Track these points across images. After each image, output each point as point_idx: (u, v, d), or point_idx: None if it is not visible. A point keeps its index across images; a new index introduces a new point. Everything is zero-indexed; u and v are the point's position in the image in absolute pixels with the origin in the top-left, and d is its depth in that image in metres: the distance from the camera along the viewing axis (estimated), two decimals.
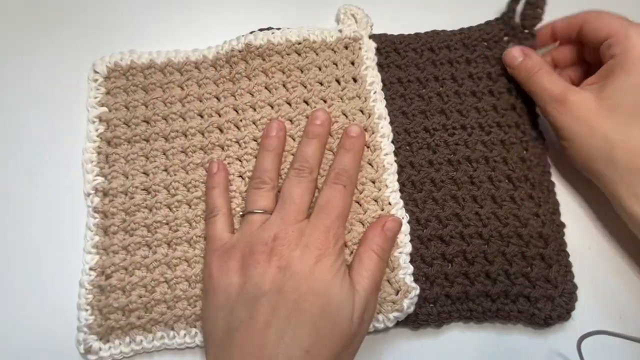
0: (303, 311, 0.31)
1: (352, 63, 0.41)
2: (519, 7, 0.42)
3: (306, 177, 0.36)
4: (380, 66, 0.42)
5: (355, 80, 0.41)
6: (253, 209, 0.36)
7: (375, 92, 0.41)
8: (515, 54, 0.41)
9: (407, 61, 0.43)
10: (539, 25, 0.42)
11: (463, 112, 0.42)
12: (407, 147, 0.41)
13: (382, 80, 0.42)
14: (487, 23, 0.44)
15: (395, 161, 0.40)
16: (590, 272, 0.40)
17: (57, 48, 0.45)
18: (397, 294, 0.36)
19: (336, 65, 0.41)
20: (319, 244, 0.33)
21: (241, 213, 0.37)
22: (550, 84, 0.39)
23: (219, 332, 0.32)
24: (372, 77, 0.41)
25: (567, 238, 0.40)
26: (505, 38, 0.43)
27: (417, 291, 0.36)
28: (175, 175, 0.39)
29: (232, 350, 0.30)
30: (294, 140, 0.40)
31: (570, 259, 0.39)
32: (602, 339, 0.34)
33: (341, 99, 0.41)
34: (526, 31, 0.42)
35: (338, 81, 0.41)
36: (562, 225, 0.40)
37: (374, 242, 0.35)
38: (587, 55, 0.42)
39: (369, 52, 0.42)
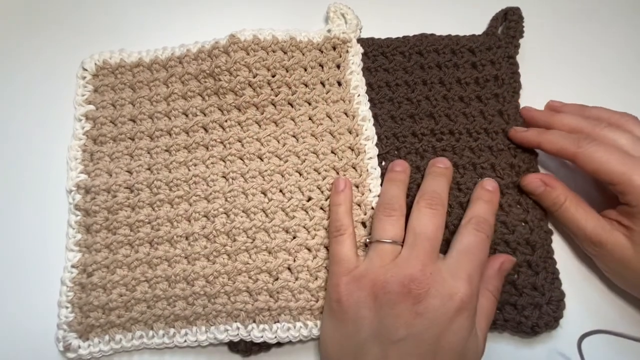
0: None
1: (338, 66, 0.41)
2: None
3: (439, 211, 0.34)
4: (368, 70, 0.42)
5: (339, 84, 0.41)
6: (382, 238, 0.34)
7: (359, 95, 0.40)
8: (535, 184, 0.38)
9: (395, 64, 0.43)
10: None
11: (451, 117, 0.41)
12: (395, 152, 0.41)
13: (370, 84, 0.42)
14: (472, 36, 0.44)
15: (383, 166, 0.40)
16: (590, 271, 0.39)
17: (45, 46, 0.45)
18: None
19: (322, 67, 0.41)
20: (463, 294, 0.31)
21: (367, 240, 0.36)
22: (581, 220, 0.36)
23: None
24: (357, 82, 0.41)
25: (565, 239, 0.40)
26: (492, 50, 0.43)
27: None
28: (158, 173, 0.39)
29: None
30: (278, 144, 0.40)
31: (571, 257, 0.39)
32: (603, 338, 0.33)
33: (325, 101, 0.41)
34: (511, 44, 0.43)
35: (323, 84, 0.41)
36: (550, 232, 0.39)
37: (490, 283, 0.34)
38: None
39: (355, 56, 0.42)
